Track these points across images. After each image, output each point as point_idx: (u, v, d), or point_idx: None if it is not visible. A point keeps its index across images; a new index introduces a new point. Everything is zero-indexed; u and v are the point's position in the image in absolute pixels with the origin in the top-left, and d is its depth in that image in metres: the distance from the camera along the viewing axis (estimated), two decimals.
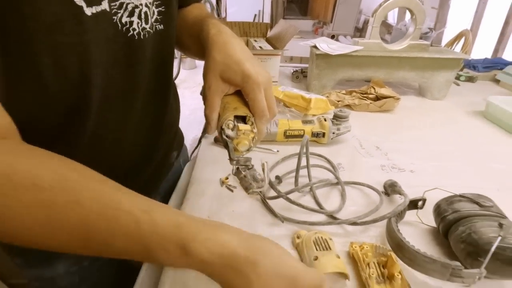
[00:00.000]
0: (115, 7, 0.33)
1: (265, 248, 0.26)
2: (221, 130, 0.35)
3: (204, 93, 0.37)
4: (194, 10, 0.52)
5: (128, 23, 0.35)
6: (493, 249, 0.35)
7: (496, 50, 2.67)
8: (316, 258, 0.38)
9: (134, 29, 0.36)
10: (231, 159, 0.34)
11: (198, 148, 0.68)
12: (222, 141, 0.35)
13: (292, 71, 1.14)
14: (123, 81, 0.38)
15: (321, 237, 0.42)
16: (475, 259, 0.37)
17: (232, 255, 0.25)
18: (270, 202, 0.49)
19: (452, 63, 0.93)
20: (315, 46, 0.92)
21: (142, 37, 0.38)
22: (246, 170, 0.36)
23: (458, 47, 2.39)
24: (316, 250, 0.40)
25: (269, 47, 1.05)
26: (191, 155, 0.71)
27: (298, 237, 0.43)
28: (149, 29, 0.39)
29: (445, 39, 2.88)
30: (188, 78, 3.28)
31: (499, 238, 0.36)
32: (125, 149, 0.43)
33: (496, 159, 0.68)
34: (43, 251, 0.44)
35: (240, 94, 0.37)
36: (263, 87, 0.35)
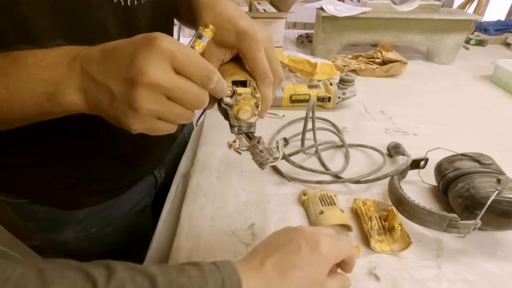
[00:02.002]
0: None
1: None
2: (219, 101, 0.30)
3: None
4: None
5: None
6: (489, 202, 0.37)
7: (510, 13, 2.55)
8: (321, 212, 0.41)
9: None
10: (232, 127, 0.31)
11: (205, 114, 0.69)
12: (221, 112, 0.31)
13: (296, 35, 1.11)
14: None
15: (326, 194, 0.44)
16: (471, 212, 0.39)
17: None
18: (277, 163, 0.51)
19: (462, 25, 0.90)
20: (321, 8, 0.89)
21: (132, 3, 0.35)
22: (260, 145, 0.32)
23: (470, 10, 2.28)
24: (322, 205, 0.42)
25: (273, 10, 1.02)
26: (197, 122, 0.72)
27: (304, 194, 0.46)
28: None
29: (457, 1, 2.74)
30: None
31: (496, 192, 0.38)
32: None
33: (499, 122, 0.69)
34: (53, 218, 0.46)
35: (238, 60, 0.34)
36: (263, 46, 0.31)
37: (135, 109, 0.24)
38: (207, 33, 0.28)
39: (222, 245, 0.39)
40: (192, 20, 0.38)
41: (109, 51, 0.25)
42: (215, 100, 0.31)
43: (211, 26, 0.28)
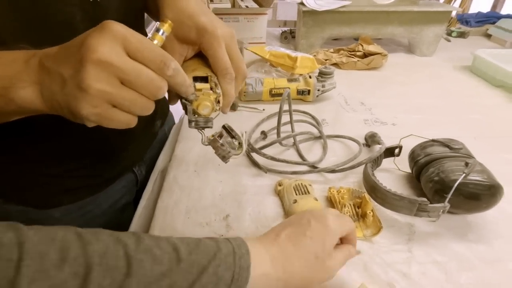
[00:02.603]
0: None
1: None
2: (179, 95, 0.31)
3: None
4: None
5: None
6: (456, 184, 0.38)
7: (494, 6, 2.59)
8: (295, 201, 0.41)
9: None
10: (189, 121, 0.31)
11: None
12: (182, 107, 0.31)
13: (280, 31, 1.12)
14: None
15: (301, 184, 0.44)
16: (441, 196, 0.40)
17: None
18: (254, 155, 0.51)
19: (441, 16, 0.92)
20: (301, 3, 0.89)
21: None
22: (222, 138, 0.34)
23: (457, 4, 2.31)
24: (296, 194, 0.43)
25: (255, 6, 1.02)
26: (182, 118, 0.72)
27: (280, 185, 0.46)
28: None
29: None
30: None
31: (463, 175, 0.39)
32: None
33: (477, 110, 0.70)
34: (28, 218, 0.43)
35: (202, 56, 0.34)
36: (224, 42, 0.31)
37: (84, 89, 0.23)
38: (165, 27, 0.28)
39: (195, 235, 0.39)
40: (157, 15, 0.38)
41: (65, 45, 0.25)
42: (178, 96, 0.31)
43: (169, 21, 0.28)
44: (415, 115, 0.67)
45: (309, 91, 0.68)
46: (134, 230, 0.43)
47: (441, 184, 0.40)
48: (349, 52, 0.90)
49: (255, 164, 0.51)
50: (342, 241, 0.33)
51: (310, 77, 0.68)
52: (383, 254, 0.38)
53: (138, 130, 0.51)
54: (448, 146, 0.44)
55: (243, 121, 0.63)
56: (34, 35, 0.31)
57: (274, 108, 0.67)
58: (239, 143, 0.36)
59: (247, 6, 1.03)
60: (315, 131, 0.60)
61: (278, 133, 0.53)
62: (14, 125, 0.31)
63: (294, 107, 0.61)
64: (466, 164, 0.40)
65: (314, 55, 0.86)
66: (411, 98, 0.75)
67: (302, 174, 0.48)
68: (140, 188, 0.57)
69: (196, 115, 0.31)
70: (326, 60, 0.88)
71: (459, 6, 2.18)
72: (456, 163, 0.41)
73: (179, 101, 0.33)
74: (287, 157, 0.52)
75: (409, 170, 0.50)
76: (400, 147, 0.50)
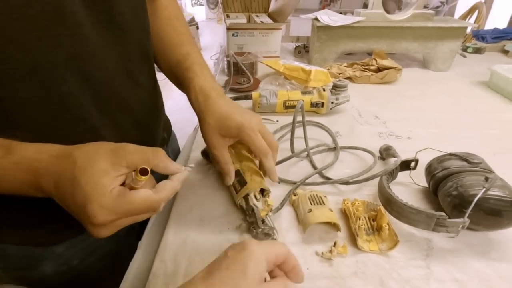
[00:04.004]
0: None
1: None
2: (246, 196, 0.41)
3: (212, 153, 0.42)
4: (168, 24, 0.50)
5: None
6: (476, 199, 0.37)
7: (511, 22, 2.56)
8: (310, 211, 0.41)
9: None
10: (256, 227, 0.39)
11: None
12: (246, 207, 0.41)
13: (294, 46, 1.14)
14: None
15: (316, 195, 0.44)
16: (460, 211, 0.39)
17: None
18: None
19: (456, 32, 0.92)
20: (316, 19, 0.91)
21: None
22: (257, 229, 0.39)
23: (471, 21, 2.31)
24: (311, 204, 0.42)
25: (270, 22, 1.05)
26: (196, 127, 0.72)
27: (294, 195, 0.46)
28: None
29: (458, 13, 2.77)
30: None
31: (484, 189, 0.38)
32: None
33: (494, 125, 0.68)
34: (27, 255, 0.42)
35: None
36: (258, 129, 0.39)
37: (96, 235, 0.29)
38: (141, 179, 0.29)
39: (208, 244, 0.39)
40: (177, 84, 0.48)
41: (61, 192, 0.29)
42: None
43: (145, 175, 0.29)
44: (431, 130, 0.66)
45: (322, 103, 0.68)
46: (149, 234, 0.43)
47: (460, 199, 0.39)
48: (363, 66, 0.90)
49: None
50: (284, 271, 0.27)
51: (324, 89, 0.69)
52: (400, 269, 0.37)
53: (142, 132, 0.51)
54: (466, 160, 0.44)
55: None
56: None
57: (287, 119, 0.67)
58: (266, 233, 0.39)
59: (262, 22, 1.05)
60: (328, 142, 0.59)
61: (292, 146, 0.54)
62: None
63: (307, 118, 0.62)
64: (486, 178, 0.39)
65: (328, 69, 0.87)
66: (427, 112, 0.74)
67: (316, 186, 0.48)
68: None
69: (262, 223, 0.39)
70: (339, 74, 0.88)
71: (474, 22, 2.17)
72: (475, 177, 0.40)
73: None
74: (300, 168, 0.52)
75: (425, 184, 0.49)
76: (417, 160, 0.49)
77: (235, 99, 0.73)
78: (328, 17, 0.91)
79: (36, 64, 0.30)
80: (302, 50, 1.10)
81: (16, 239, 0.41)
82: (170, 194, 0.32)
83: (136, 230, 0.55)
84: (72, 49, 0.33)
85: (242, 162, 0.44)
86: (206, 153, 0.52)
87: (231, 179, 0.41)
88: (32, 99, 0.32)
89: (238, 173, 0.43)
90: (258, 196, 0.41)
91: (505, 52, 1.18)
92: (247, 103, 0.74)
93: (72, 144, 0.30)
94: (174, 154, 0.64)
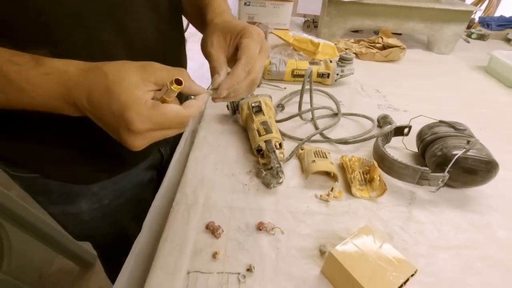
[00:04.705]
0: None
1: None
2: (268, 141, 0.48)
3: (207, 50, 0.37)
4: None
5: None
6: (456, 157, 0.43)
7: None
8: (313, 161, 0.47)
9: None
10: (269, 168, 0.45)
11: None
12: (266, 148, 0.47)
13: (303, 20, 1.16)
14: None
15: (321, 150, 0.50)
16: (442, 169, 0.45)
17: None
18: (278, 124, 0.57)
19: (461, 15, 0.94)
20: None
21: None
22: (266, 170, 0.44)
23: (482, 8, 2.29)
24: (315, 157, 0.48)
25: None
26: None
27: (301, 149, 0.52)
28: None
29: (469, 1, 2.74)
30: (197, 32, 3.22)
31: (464, 150, 0.43)
32: None
33: (486, 106, 0.74)
34: (66, 191, 0.48)
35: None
36: (259, 44, 0.36)
37: (133, 147, 0.29)
38: (173, 86, 0.31)
39: (223, 183, 0.45)
40: (199, 25, 0.47)
41: (95, 106, 0.29)
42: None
43: (177, 85, 0.30)
44: (427, 105, 0.71)
45: (328, 74, 0.73)
46: (170, 177, 0.49)
47: (443, 158, 0.45)
48: (369, 44, 0.94)
49: None
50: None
51: (330, 61, 0.73)
52: (386, 212, 0.43)
53: None
54: (453, 127, 0.49)
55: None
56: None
57: (294, 87, 0.72)
58: (277, 173, 0.44)
59: None
60: (332, 108, 0.65)
61: (300, 107, 0.59)
62: (57, 119, 0.34)
63: (313, 87, 0.66)
64: (468, 142, 0.45)
65: (335, 44, 0.90)
66: (425, 90, 0.79)
67: (319, 143, 0.54)
68: (164, 166, 0.59)
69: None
70: (346, 49, 0.92)
71: (484, 10, 2.16)
72: (459, 140, 0.46)
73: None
74: (305, 129, 0.57)
75: (415, 150, 0.55)
76: (410, 127, 0.54)
77: None
78: None
79: (82, 11, 0.34)
80: (311, 25, 1.13)
81: (60, 175, 0.46)
82: (196, 111, 0.32)
83: (155, 182, 0.61)
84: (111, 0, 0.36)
85: (270, 117, 0.52)
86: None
87: (219, 77, 0.36)
88: (78, 43, 0.36)
89: (265, 123, 0.50)
90: (277, 146, 0.48)
91: (508, 40, 1.21)
92: None
93: None
94: None
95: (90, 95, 0.28)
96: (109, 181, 0.51)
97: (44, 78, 0.28)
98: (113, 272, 0.77)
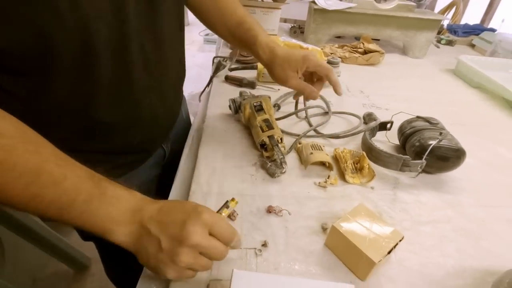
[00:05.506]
0: None
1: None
2: (270, 136, 0.54)
3: (291, 85, 0.53)
4: None
5: None
6: (431, 146, 0.50)
7: (483, 21, 2.78)
8: (311, 153, 0.53)
9: None
10: (273, 160, 0.52)
11: (210, 86, 0.80)
12: (269, 143, 0.53)
13: (290, 26, 1.23)
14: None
15: (317, 144, 0.56)
16: (420, 157, 0.52)
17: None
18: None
19: (432, 24, 1.05)
20: (313, 2, 1.01)
21: None
22: (270, 162, 0.51)
23: (450, 15, 2.49)
24: (312, 149, 0.54)
25: (271, 1, 1.13)
26: (200, 96, 0.81)
27: (299, 143, 0.58)
28: None
29: (438, 7, 2.96)
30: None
31: (437, 140, 0.51)
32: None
33: (455, 104, 0.83)
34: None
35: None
36: (318, 57, 0.50)
37: (176, 262, 0.30)
38: (232, 204, 0.39)
39: (232, 174, 0.50)
40: (241, 48, 0.58)
41: (165, 212, 0.33)
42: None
43: (235, 199, 0.40)
44: (404, 104, 0.80)
45: None
46: (182, 169, 0.53)
47: (420, 148, 0.53)
48: (352, 48, 1.02)
49: None
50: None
51: None
52: (374, 195, 0.50)
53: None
54: (428, 121, 0.57)
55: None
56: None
57: (287, 89, 0.78)
58: (281, 163, 0.50)
59: (262, 0, 1.13)
60: (324, 107, 0.71)
61: (296, 106, 0.65)
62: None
63: None
64: (440, 133, 0.53)
65: (322, 49, 0.98)
66: (402, 90, 0.88)
67: (313, 138, 0.60)
68: (166, 163, 0.64)
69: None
70: (331, 53, 1.00)
71: (452, 18, 2.35)
72: (433, 133, 0.54)
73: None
74: (300, 126, 0.64)
75: (397, 142, 0.62)
76: (392, 122, 0.62)
77: (242, 69, 0.82)
78: (324, 1, 1.01)
79: (111, 36, 0.37)
80: (297, 31, 1.20)
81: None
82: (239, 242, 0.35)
83: (158, 178, 0.64)
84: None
85: (271, 115, 0.58)
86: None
87: (317, 94, 0.54)
88: (108, 61, 0.38)
89: (267, 120, 0.55)
90: (279, 140, 0.54)
91: (472, 45, 1.34)
92: (252, 73, 0.84)
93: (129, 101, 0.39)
94: (185, 113, 0.72)
95: (163, 206, 0.34)
96: (122, 179, 0.52)
97: (122, 193, 0.34)
98: (115, 273, 0.79)
